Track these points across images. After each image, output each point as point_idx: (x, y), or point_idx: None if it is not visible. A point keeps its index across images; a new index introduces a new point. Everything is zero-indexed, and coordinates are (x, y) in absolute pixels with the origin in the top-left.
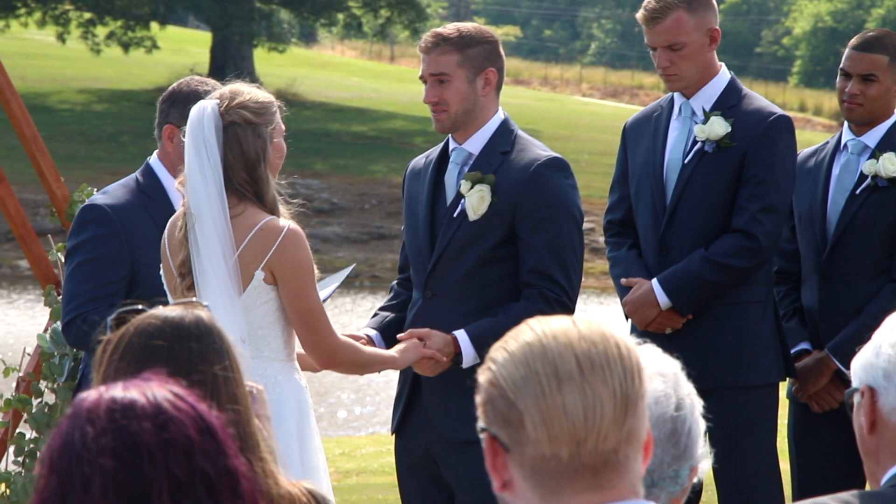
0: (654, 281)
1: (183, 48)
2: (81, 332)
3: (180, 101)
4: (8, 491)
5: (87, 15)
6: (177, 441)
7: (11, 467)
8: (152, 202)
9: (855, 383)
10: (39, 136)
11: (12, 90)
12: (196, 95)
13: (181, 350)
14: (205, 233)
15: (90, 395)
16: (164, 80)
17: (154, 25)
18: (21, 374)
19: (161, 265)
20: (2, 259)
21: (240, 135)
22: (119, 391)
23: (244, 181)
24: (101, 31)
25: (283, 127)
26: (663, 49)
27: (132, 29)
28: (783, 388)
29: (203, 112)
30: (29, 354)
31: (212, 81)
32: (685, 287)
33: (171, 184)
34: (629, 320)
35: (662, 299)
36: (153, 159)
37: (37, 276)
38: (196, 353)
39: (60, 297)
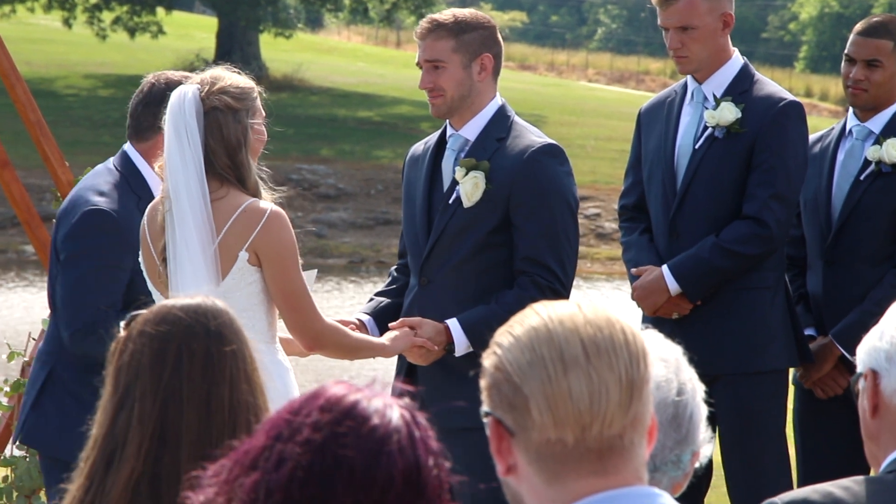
0: (664, 267)
1: (189, 33)
2: (102, 341)
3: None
4: (12, 475)
5: (93, 0)
6: (378, 476)
7: (17, 452)
8: (143, 202)
9: (859, 368)
10: (44, 122)
11: (17, 75)
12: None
13: (198, 324)
14: (182, 218)
15: (339, 387)
16: (170, 66)
17: (160, 10)
18: (26, 359)
19: (140, 251)
20: (7, 244)
21: (221, 120)
22: (366, 399)
23: (226, 166)
24: (106, 17)
25: (264, 112)
26: (675, 30)
27: (138, 14)
28: (788, 373)
29: (184, 97)
30: (34, 339)
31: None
32: (696, 274)
33: (153, 179)
34: (639, 306)
35: (672, 286)
36: (127, 146)
37: (41, 261)
38: (214, 329)
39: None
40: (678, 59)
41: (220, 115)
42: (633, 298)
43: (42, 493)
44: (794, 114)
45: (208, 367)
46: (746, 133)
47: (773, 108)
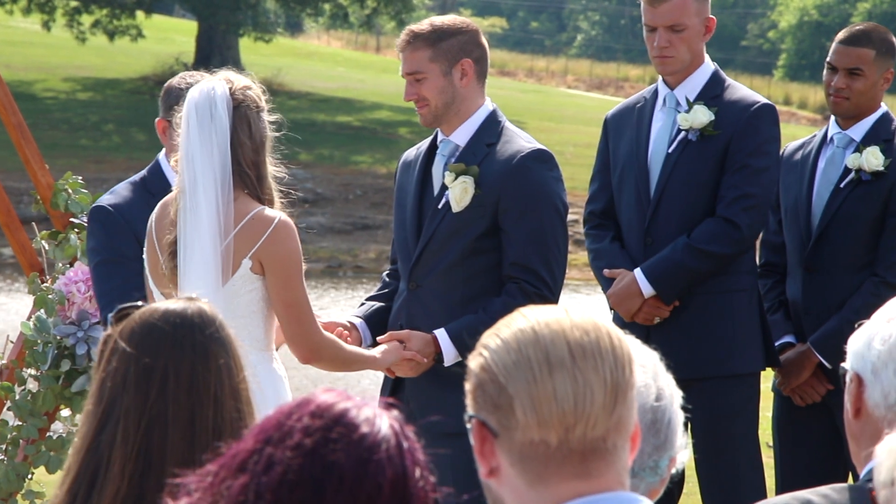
0: (637, 271)
1: (168, 37)
2: None
3: (169, 97)
4: None
5: (73, 3)
6: (366, 483)
7: None
8: (156, 200)
9: (847, 365)
10: (25, 124)
11: None
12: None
13: (185, 341)
14: (196, 211)
15: (329, 395)
16: (150, 69)
17: (139, 14)
18: (4, 362)
19: (145, 248)
20: None
21: (250, 116)
22: (356, 407)
23: (251, 162)
24: (86, 20)
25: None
26: (664, 29)
27: (118, 17)
28: (767, 380)
29: (213, 91)
30: (12, 342)
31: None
32: (668, 275)
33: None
34: (612, 312)
35: (646, 289)
36: (161, 155)
37: (21, 264)
38: (200, 344)
39: (45, 285)
40: (663, 60)
41: (248, 111)
42: (611, 305)
43: (19, 497)
44: (767, 116)
45: (193, 388)
46: (720, 135)
47: (747, 111)
